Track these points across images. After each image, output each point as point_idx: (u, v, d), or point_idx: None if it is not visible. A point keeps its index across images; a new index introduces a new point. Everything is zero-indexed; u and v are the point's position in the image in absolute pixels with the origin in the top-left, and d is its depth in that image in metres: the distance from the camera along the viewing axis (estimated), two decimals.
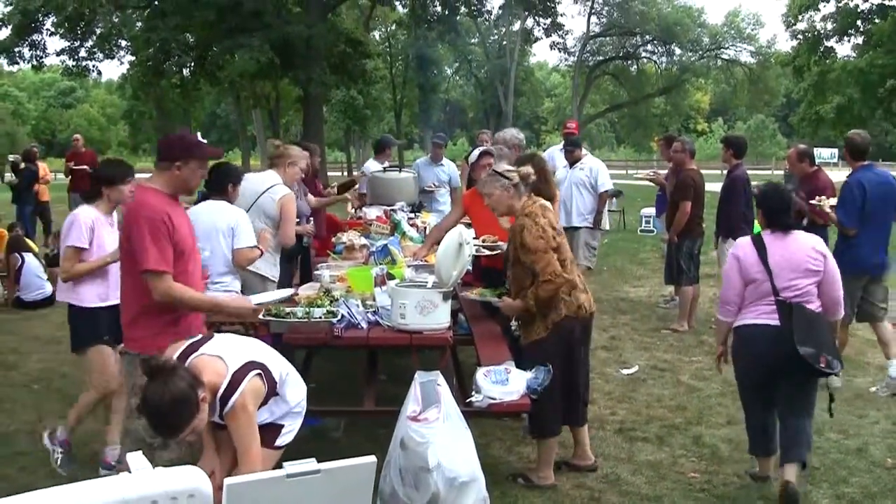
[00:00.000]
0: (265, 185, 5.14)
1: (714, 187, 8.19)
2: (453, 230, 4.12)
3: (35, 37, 23.21)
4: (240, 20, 20.61)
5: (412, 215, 6.97)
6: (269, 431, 3.09)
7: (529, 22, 39.67)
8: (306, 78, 21.85)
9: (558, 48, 44.28)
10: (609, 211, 10.97)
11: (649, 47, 48.03)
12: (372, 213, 6.75)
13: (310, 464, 2.20)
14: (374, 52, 30.16)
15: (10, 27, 22.56)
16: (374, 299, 4.29)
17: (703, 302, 8.11)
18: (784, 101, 53.39)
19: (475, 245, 4.58)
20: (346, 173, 39.77)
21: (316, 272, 4.97)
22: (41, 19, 22.77)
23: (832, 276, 3.98)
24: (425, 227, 6.38)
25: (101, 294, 4.31)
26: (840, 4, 30.72)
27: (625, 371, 6.24)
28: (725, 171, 7.75)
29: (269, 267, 5.08)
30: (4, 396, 5.63)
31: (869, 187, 5.73)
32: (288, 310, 4.00)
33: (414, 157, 26.82)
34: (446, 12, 27.37)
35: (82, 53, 24.27)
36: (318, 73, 21.71)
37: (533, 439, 4.33)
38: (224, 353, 2.94)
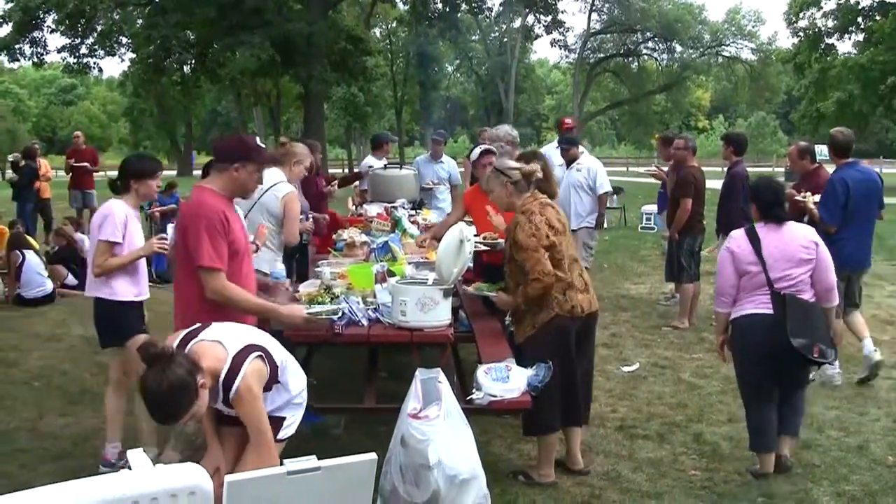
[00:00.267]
0: (269, 182, 5.13)
1: (715, 184, 8.19)
2: (454, 227, 4.11)
3: (36, 34, 23.27)
4: (241, 17, 20.64)
5: (413, 212, 6.97)
6: (271, 424, 3.08)
7: (530, 19, 39.72)
8: (307, 75, 21.88)
9: (559, 45, 44.46)
10: (608, 208, 10.93)
11: (650, 44, 48.00)
12: (373, 209, 6.75)
13: (310, 461, 2.20)
14: (375, 50, 30.18)
15: (10, 24, 22.59)
16: (374, 296, 4.29)
17: (703, 299, 8.11)
18: (785, 99, 53.31)
19: (476, 241, 4.57)
20: (346, 170, 39.75)
21: (317, 269, 4.97)
22: (42, 16, 22.81)
23: (825, 264, 4.08)
24: (426, 225, 6.38)
25: (133, 288, 4.32)
26: (841, 2, 30.74)
27: (625, 368, 6.24)
28: (726, 169, 7.75)
29: (271, 265, 5.07)
30: (5, 393, 5.63)
31: (852, 184, 5.73)
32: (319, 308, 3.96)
33: (415, 154, 26.83)
34: (447, 9, 27.41)
35: (83, 50, 24.35)
36: (318, 71, 21.73)
37: (526, 437, 4.33)
38: (223, 338, 2.95)
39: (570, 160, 7.80)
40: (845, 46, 33.06)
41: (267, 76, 26.73)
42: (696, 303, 7.78)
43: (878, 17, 29.35)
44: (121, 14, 23.75)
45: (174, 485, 1.92)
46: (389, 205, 6.80)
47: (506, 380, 3.86)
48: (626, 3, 44.43)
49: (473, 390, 3.89)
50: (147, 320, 4.45)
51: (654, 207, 13.45)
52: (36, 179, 12.30)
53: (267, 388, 2.99)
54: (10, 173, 13.70)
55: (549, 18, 34.42)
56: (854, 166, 5.93)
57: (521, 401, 3.84)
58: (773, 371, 4.08)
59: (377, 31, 41.96)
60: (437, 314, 3.89)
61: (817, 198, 5.89)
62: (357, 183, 8.69)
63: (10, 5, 22.54)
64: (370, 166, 8.21)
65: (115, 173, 4.50)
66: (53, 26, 23.00)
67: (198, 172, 5.51)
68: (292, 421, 3.16)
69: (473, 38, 47.84)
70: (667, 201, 8.15)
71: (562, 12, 33.20)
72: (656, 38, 46.76)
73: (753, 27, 47.89)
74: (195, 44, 23.38)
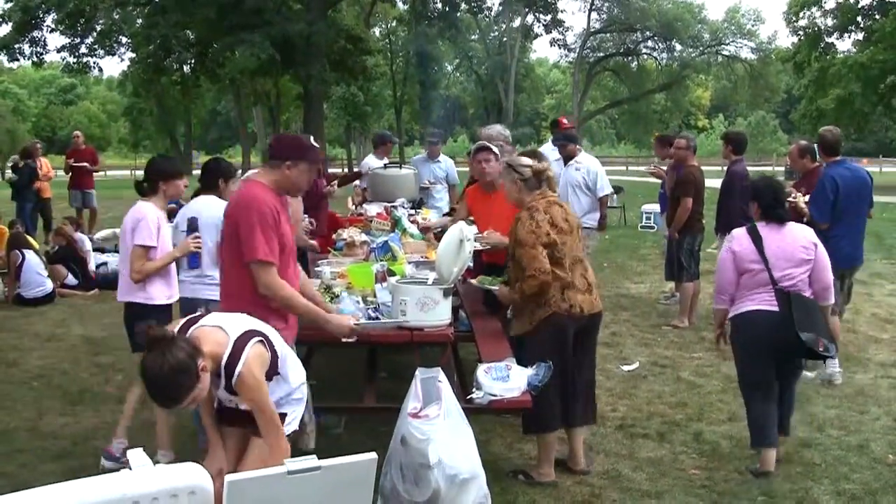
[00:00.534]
0: None
1: (714, 183, 8.19)
2: (454, 226, 4.12)
3: (35, 33, 23.27)
4: (240, 17, 20.64)
5: (413, 212, 6.96)
6: None
7: (529, 18, 39.77)
8: (307, 75, 21.89)
9: (558, 44, 44.47)
10: (608, 208, 10.87)
11: (650, 43, 48.01)
12: (372, 209, 6.75)
13: (311, 460, 2.20)
14: (375, 49, 30.19)
15: (10, 24, 22.59)
16: (374, 296, 4.29)
17: (703, 298, 8.10)
18: (785, 98, 53.31)
19: (476, 238, 4.57)
20: (346, 170, 39.75)
21: (316, 268, 4.97)
22: (42, 16, 22.81)
23: (822, 264, 4.19)
24: (426, 225, 6.37)
25: (167, 291, 4.34)
26: (840, 1, 30.74)
27: (625, 367, 6.24)
28: (725, 168, 7.75)
29: None
30: (4, 393, 5.63)
31: (842, 183, 5.75)
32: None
33: (415, 154, 26.82)
34: (446, 9, 27.43)
35: (83, 50, 24.34)
36: (318, 70, 21.74)
37: (526, 436, 4.33)
38: (224, 324, 2.94)
39: (567, 157, 7.58)
40: (845, 45, 33.14)
41: (267, 76, 26.76)
42: (696, 302, 7.78)
43: (877, 16, 29.38)
44: (120, 14, 23.75)
45: (175, 484, 1.92)
46: (389, 204, 6.80)
47: (506, 379, 3.86)
48: (625, 2, 44.44)
49: (473, 389, 3.89)
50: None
51: (654, 206, 13.44)
52: (35, 179, 12.28)
53: (267, 378, 2.98)
54: (9, 174, 13.69)
55: (548, 18, 34.48)
56: (843, 164, 5.96)
57: (522, 400, 3.84)
58: (773, 367, 4.15)
59: (377, 31, 41.95)
60: (437, 314, 3.90)
61: (807, 197, 5.92)
62: (357, 182, 8.69)
63: (9, 5, 22.55)
64: (367, 166, 8.21)
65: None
66: (53, 26, 23.01)
67: (197, 172, 5.54)
68: (293, 417, 3.15)
69: (473, 37, 47.85)
70: (667, 202, 8.14)
71: (561, 11, 33.32)
72: (656, 37, 46.76)
73: (753, 26, 47.94)
74: (195, 43, 23.39)
